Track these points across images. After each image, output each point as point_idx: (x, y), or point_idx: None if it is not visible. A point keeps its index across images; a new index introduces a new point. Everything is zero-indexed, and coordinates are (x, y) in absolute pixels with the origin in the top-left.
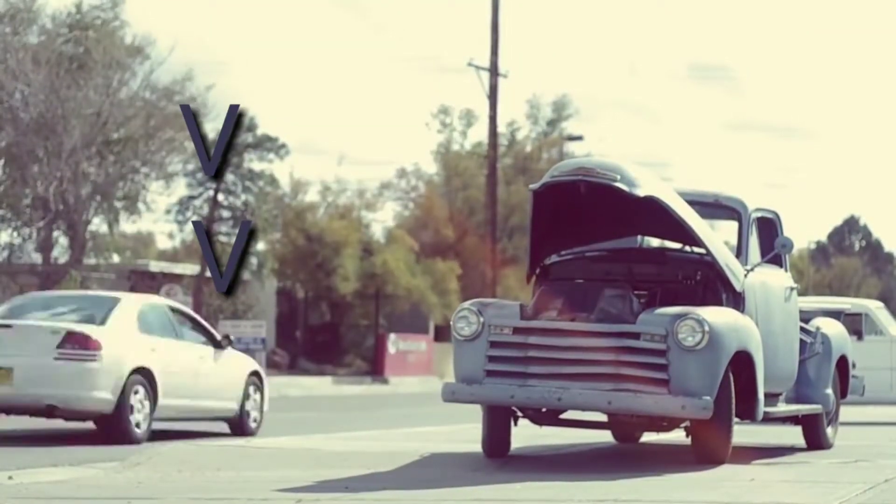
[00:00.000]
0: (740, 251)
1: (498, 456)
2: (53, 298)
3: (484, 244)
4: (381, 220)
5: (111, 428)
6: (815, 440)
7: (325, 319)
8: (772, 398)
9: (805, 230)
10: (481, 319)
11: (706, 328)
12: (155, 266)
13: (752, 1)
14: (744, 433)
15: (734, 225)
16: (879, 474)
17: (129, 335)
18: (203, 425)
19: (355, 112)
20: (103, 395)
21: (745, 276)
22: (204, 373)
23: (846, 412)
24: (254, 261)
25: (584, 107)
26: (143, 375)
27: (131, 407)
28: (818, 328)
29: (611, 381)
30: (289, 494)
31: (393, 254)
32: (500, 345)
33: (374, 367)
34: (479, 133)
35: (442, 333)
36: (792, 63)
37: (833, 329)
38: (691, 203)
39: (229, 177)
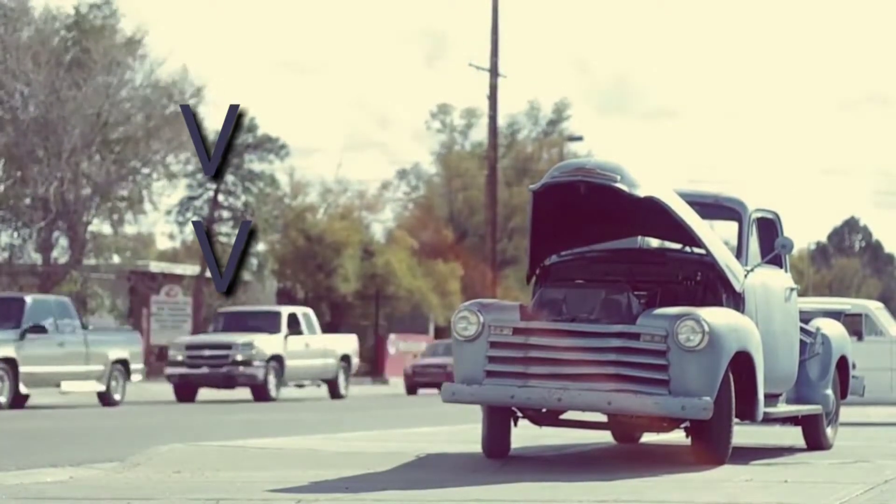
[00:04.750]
0: (740, 251)
1: (498, 456)
2: None
3: (484, 245)
4: (382, 220)
5: None
6: (815, 441)
7: (326, 320)
8: (772, 399)
9: (805, 231)
10: (481, 320)
11: (706, 329)
12: (155, 267)
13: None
14: (744, 433)
15: (734, 225)
16: (879, 474)
17: None
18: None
19: (355, 112)
20: None
21: (745, 276)
22: None
23: (846, 412)
24: (254, 261)
25: (581, 108)
26: None
27: None
28: (818, 329)
29: (611, 381)
30: (288, 495)
31: (394, 254)
32: (501, 345)
33: (375, 368)
34: (480, 133)
35: (442, 334)
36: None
37: (833, 329)
38: (691, 203)
39: (230, 177)
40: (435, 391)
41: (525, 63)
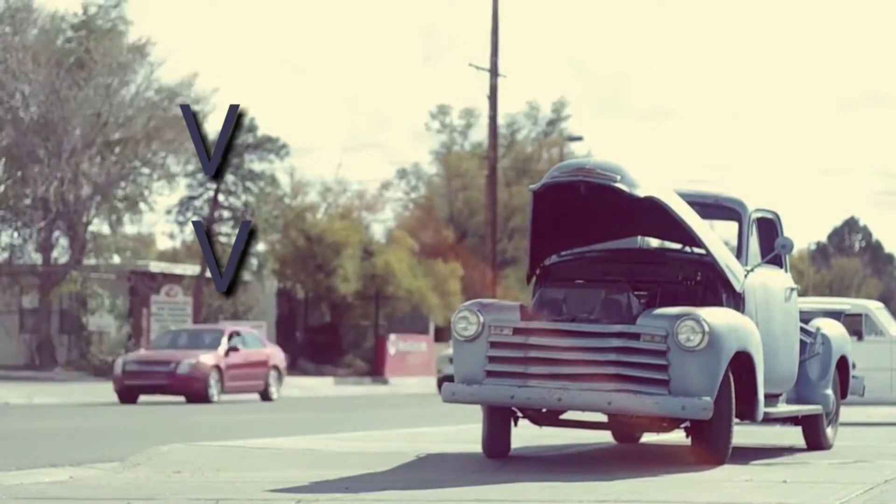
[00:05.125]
0: (740, 251)
1: (498, 456)
2: None
3: (484, 245)
4: (382, 220)
5: None
6: (815, 441)
7: (325, 320)
8: (772, 399)
9: (805, 231)
10: (481, 320)
11: (706, 329)
12: (155, 267)
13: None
14: (744, 433)
15: (734, 225)
16: (879, 474)
17: None
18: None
19: (355, 112)
20: None
21: (746, 276)
22: None
23: (846, 412)
24: (254, 261)
25: (581, 108)
26: None
27: None
28: (818, 329)
29: (611, 381)
30: (288, 495)
31: (394, 254)
32: (501, 345)
33: (374, 368)
34: (479, 133)
35: (442, 334)
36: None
37: (833, 330)
38: (691, 203)
39: (230, 177)
40: (164, 398)
41: (524, 63)
